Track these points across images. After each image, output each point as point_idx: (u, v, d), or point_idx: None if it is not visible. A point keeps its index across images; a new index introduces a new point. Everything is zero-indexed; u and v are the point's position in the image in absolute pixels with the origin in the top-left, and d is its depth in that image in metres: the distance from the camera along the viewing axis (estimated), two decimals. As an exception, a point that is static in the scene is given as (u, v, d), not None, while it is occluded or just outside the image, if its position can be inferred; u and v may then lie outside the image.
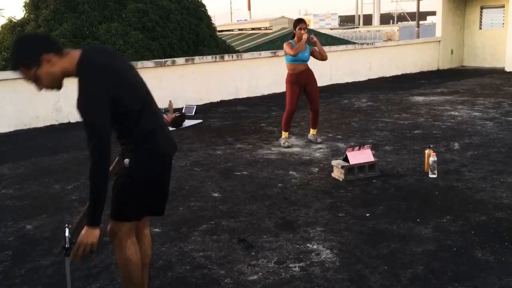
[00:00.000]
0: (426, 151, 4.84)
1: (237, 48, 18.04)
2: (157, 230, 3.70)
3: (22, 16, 12.97)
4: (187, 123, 7.93)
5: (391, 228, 3.57)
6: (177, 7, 13.37)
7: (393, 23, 53.37)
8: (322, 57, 6.14)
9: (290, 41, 6.09)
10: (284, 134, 6.25)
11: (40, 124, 8.10)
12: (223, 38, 17.32)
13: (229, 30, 28.05)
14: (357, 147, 4.85)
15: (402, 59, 13.75)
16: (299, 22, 6.08)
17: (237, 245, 3.38)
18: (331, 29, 44.57)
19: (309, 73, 6.12)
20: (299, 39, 5.96)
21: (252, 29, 26.75)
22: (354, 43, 18.75)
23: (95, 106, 2.09)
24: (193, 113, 8.64)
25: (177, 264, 3.15)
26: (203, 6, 14.75)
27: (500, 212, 3.79)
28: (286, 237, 3.49)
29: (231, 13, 63.96)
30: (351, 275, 2.92)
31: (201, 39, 13.44)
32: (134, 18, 12.43)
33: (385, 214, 3.85)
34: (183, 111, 8.54)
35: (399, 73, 13.94)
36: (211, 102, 10.13)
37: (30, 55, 2.11)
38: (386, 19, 60.02)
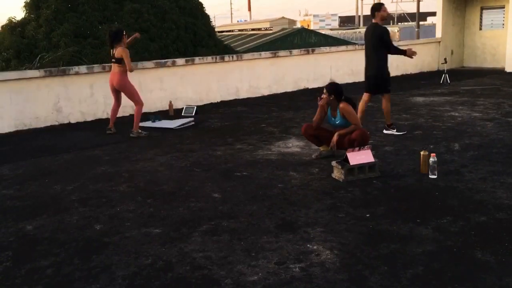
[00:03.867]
0: (422, 153, 4.83)
1: (237, 49, 18.05)
2: (157, 230, 3.70)
3: (23, 16, 12.96)
4: (178, 122, 7.82)
5: (391, 229, 3.57)
6: (173, 7, 13.34)
7: (393, 23, 53.40)
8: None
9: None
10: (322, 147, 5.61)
11: (41, 124, 8.11)
12: (223, 39, 17.31)
13: (229, 31, 28.07)
14: (357, 148, 4.85)
15: (402, 60, 13.63)
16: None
17: (237, 246, 3.38)
18: (331, 29, 44.65)
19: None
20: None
21: (252, 29, 26.76)
22: (354, 43, 18.75)
23: None
24: (193, 114, 8.61)
25: (177, 265, 3.15)
26: (200, 4, 14.68)
27: (501, 213, 3.79)
28: (286, 237, 3.49)
29: (231, 13, 64.05)
30: (351, 276, 2.92)
31: (198, 39, 13.41)
32: (131, 19, 12.42)
33: (385, 214, 3.85)
34: (182, 113, 8.54)
35: (399, 73, 13.94)
36: (211, 103, 10.14)
37: None
38: (386, 19, 60.05)
